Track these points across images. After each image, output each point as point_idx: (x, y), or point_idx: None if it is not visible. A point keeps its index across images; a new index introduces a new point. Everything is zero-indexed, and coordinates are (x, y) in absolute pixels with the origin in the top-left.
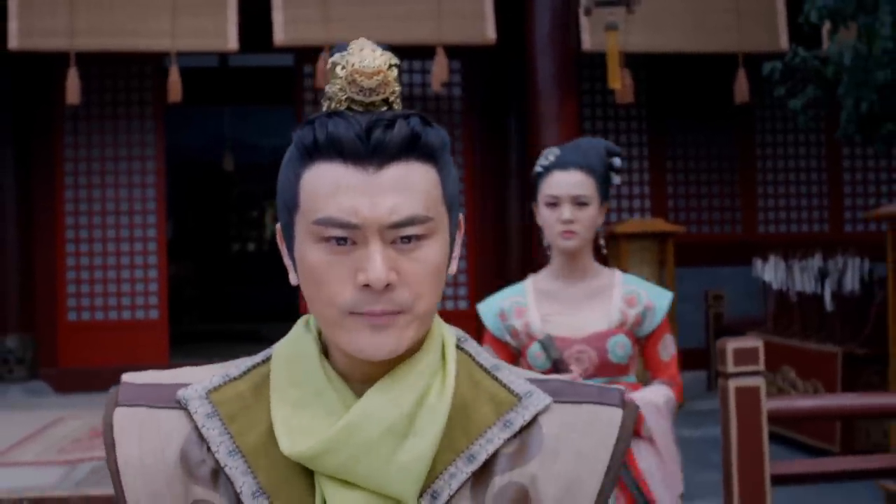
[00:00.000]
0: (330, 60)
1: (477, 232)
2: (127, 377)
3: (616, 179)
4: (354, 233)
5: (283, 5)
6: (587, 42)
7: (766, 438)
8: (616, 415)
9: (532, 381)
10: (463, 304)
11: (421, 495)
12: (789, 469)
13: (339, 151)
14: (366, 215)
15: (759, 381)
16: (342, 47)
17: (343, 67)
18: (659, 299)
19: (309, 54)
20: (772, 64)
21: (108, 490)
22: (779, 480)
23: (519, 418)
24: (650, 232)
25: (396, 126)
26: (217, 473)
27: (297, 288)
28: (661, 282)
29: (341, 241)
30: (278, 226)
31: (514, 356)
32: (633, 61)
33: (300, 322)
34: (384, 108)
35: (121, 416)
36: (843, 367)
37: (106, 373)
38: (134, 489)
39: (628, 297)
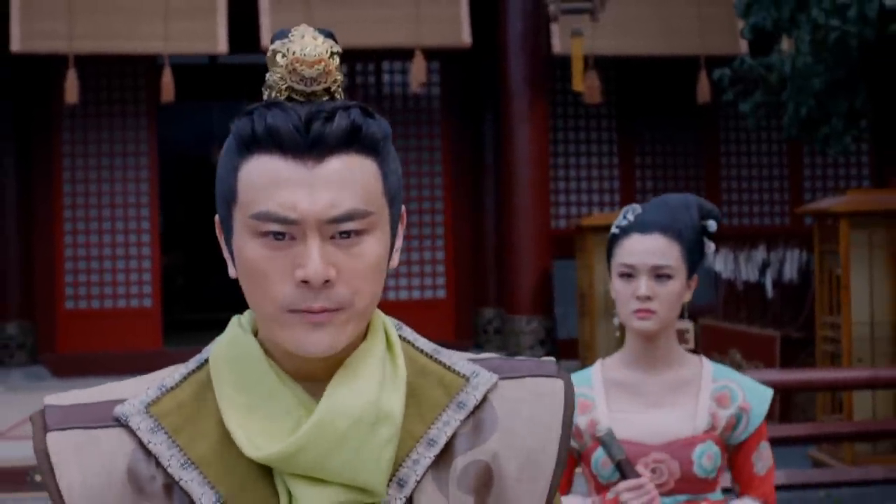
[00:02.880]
0: (270, 48)
1: (455, 225)
2: (49, 400)
3: (710, 247)
4: (292, 228)
5: (270, 10)
6: (557, 46)
7: None
8: (558, 385)
9: (472, 360)
10: (441, 293)
11: (388, 485)
12: None
13: (277, 144)
14: (304, 210)
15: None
16: (283, 33)
17: (283, 55)
18: (757, 399)
19: None
20: (721, 70)
21: None
22: None
23: (471, 398)
24: None
25: (336, 118)
26: (170, 488)
27: None
28: None
29: (279, 235)
30: (217, 217)
31: (574, 461)
32: (603, 63)
33: (233, 323)
34: (325, 98)
35: (54, 440)
36: (782, 349)
37: (102, 358)
38: None
39: (720, 395)
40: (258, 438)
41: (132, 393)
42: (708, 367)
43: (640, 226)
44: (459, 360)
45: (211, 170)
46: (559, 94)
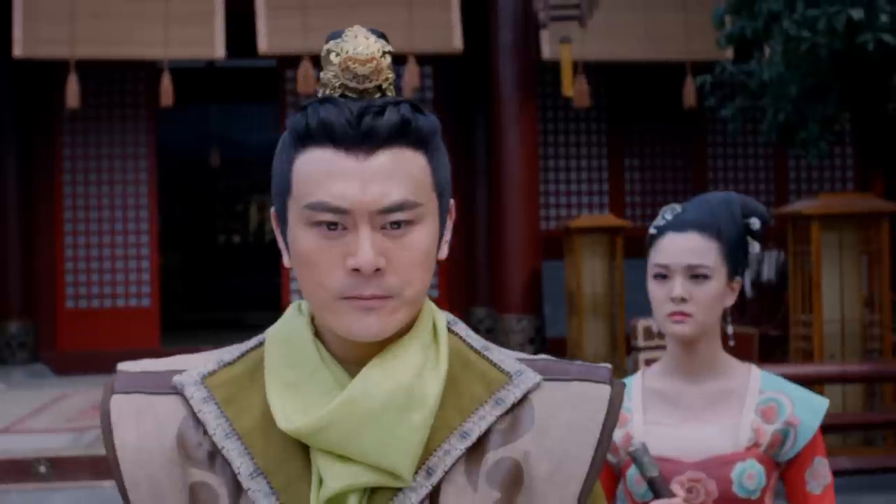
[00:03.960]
0: (325, 47)
1: None
2: (123, 366)
3: (755, 247)
4: (344, 218)
5: (266, 16)
6: (547, 52)
7: None
8: (604, 391)
9: (521, 360)
10: (434, 293)
11: (416, 472)
12: None
13: (330, 137)
14: (356, 200)
15: (663, 354)
16: (337, 34)
17: (337, 54)
18: (809, 412)
19: (290, 60)
20: (703, 77)
21: None
22: None
23: (510, 396)
24: (601, 227)
25: (387, 112)
26: (214, 455)
27: (280, 277)
28: (612, 272)
29: (332, 225)
30: (273, 210)
31: (616, 477)
32: (592, 68)
33: (293, 306)
34: (377, 95)
35: (117, 402)
36: (760, 346)
37: (102, 356)
38: (132, 472)
39: (765, 408)
40: (293, 414)
41: (196, 365)
42: (756, 377)
43: (677, 224)
44: (507, 358)
45: (208, 171)
46: (549, 98)
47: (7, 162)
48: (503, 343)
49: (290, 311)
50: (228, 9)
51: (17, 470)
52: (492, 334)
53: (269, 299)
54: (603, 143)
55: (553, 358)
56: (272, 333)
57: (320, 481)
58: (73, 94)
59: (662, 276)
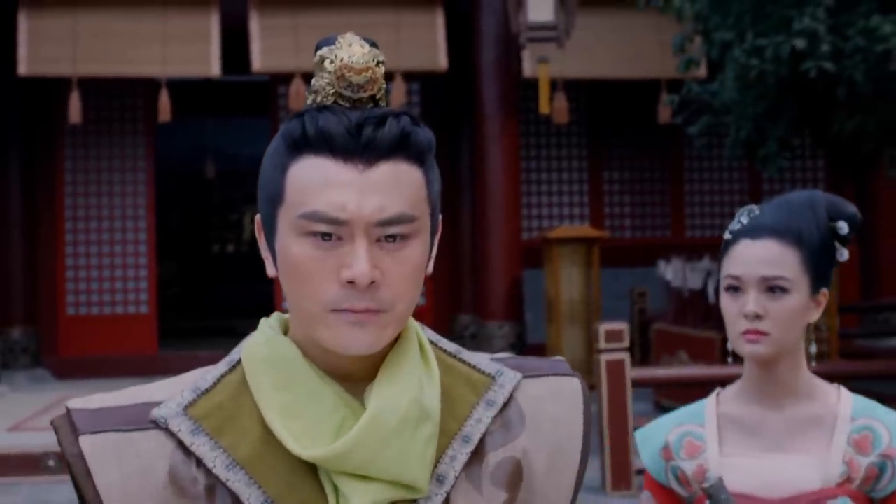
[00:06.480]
0: (318, 53)
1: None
2: (74, 404)
3: (843, 254)
4: (341, 229)
5: (260, 36)
6: (528, 70)
7: (629, 398)
8: (575, 383)
9: (494, 360)
10: (421, 300)
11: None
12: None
13: (328, 146)
14: (353, 211)
15: (624, 356)
16: (329, 40)
17: (331, 62)
18: None
19: (283, 77)
20: (671, 96)
21: None
22: (638, 382)
23: (499, 396)
24: (578, 237)
25: (387, 124)
26: (213, 489)
27: (273, 285)
28: (589, 281)
29: (326, 236)
30: (258, 217)
31: None
32: (573, 85)
33: (264, 325)
34: (371, 105)
35: (89, 443)
36: (721, 350)
37: (101, 361)
38: None
39: (859, 438)
40: (304, 438)
41: (163, 396)
42: (847, 401)
43: (752, 230)
44: (482, 359)
45: (204, 182)
46: (531, 114)
47: (11, 174)
48: (486, 349)
49: (264, 330)
50: (224, 28)
51: (28, 463)
52: (475, 340)
53: (261, 308)
54: (583, 156)
55: (512, 354)
56: (250, 354)
57: (337, 501)
58: (75, 109)
59: (735, 289)
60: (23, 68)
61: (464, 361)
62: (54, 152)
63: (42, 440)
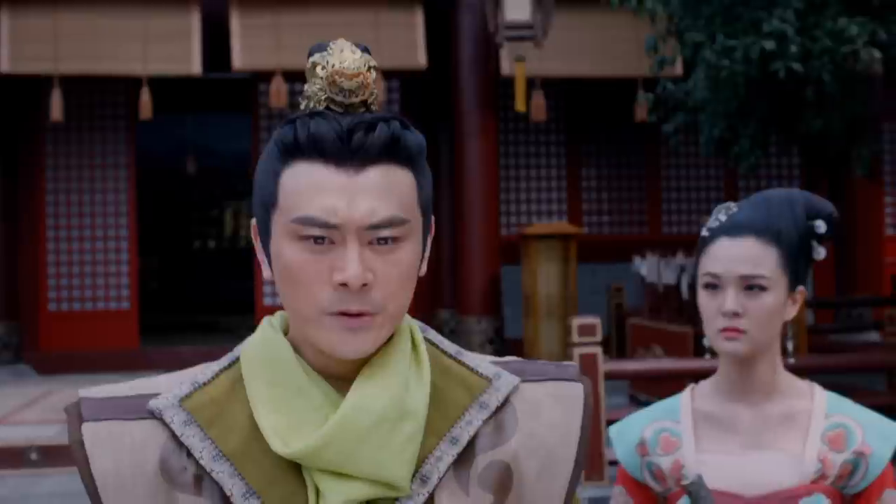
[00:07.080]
0: (310, 59)
1: None
2: (85, 393)
3: (820, 253)
4: (332, 232)
5: (241, 34)
6: (506, 68)
7: (603, 391)
8: (578, 389)
9: (495, 363)
10: None
11: (411, 481)
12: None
13: (319, 151)
14: (345, 215)
15: (596, 350)
16: (321, 46)
17: (323, 67)
18: (880, 439)
19: (264, 75)
20: (645, 95)
21: None
22: (611, 375)
23: (493, 399)
24: (556, 233)
25: (378, 129)
26: (200, 479)
27: (254, 282)
28: (566, 276)
29: (319, 240)
30: (253, 222)
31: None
32: (551, 83)
33: (264, 324)
34: (362, 110)
35: (90, 430)
36: (694, 344)
37: (83, 356)
38: (115, 501)
39: (833, 435)
40: (287, 434)
41: (165, 388)
42: (821, 399)
43: (731, 228)
44: (482, 362)
45: (185, 179)
46: (509, 111)
47: None
48: (464, 343)
49: (263, 329)
50: (204, 26)
51: (11, 457)
52: (454, 335)
53: (242, 303)
54: (561, 153)
55: (519, 358)
56: (249, 351)
57: (317, 498)
58: (56, 108)
59: (713, 287)
60: (4, 66)
61: (463, 363)
62: (36, 149)
63: (26, 433)
